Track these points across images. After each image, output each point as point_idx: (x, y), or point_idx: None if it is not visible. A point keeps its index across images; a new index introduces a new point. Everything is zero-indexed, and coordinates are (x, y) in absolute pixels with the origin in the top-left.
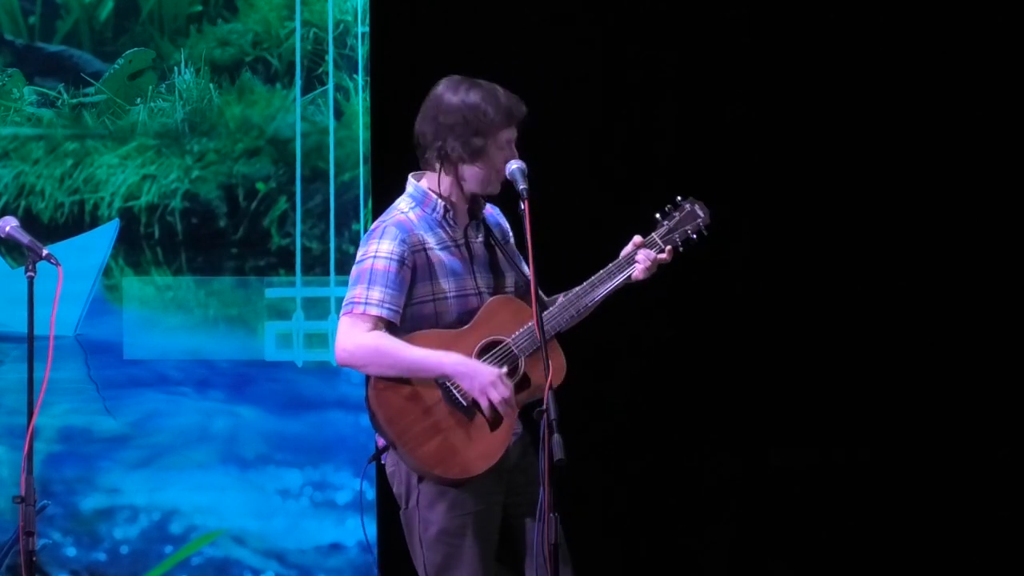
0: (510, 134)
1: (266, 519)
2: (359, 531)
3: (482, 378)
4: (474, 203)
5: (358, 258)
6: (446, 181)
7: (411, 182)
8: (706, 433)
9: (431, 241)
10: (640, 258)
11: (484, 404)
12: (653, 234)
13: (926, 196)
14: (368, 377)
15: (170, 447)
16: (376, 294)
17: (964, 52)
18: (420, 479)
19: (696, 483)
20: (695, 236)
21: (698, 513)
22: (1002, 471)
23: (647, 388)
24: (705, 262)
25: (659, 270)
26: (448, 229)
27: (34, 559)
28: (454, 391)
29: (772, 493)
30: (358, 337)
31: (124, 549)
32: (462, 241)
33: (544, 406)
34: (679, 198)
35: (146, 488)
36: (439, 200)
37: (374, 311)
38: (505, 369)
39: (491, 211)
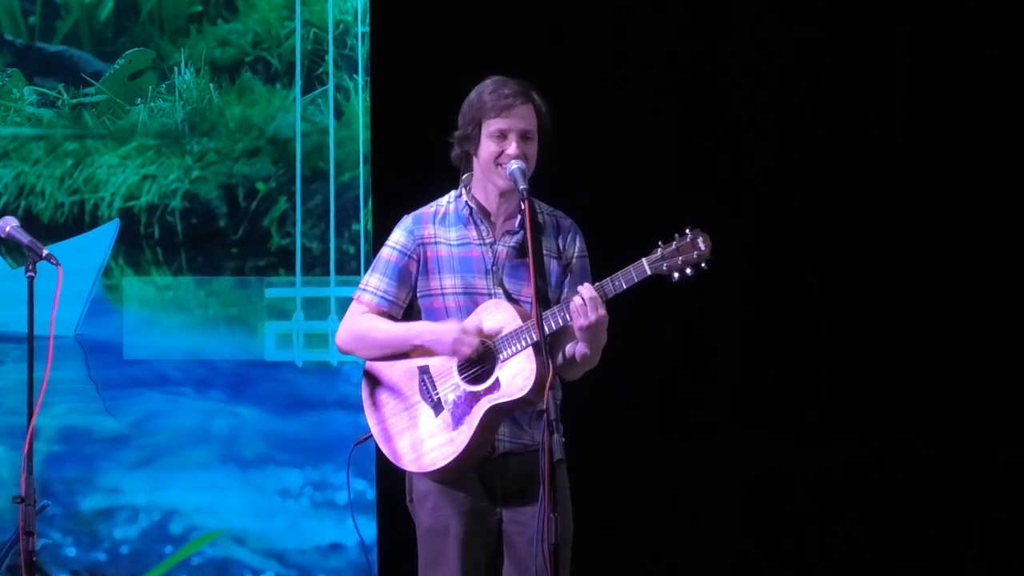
0: (501, 124)
1: (266, 519)
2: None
3: (446, 339)
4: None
5: None
6: (474, 178)
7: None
8: (706, 433)
9: (448, 236)
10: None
11: (461, 361)
12: (600, 283)
13: (926, 197)
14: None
15: (170, 447)
16: (374, 281)
17: (965, 53)
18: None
19: (697, 484)
20: (690, 271)
21: (698, 514)
22: (1002, 472)
23: (648, 388)
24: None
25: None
26: (476, 228)
27: (34, 559)
28: (427, 383)
29: (772, 493)
30: (348, 321)
31: (124, 549)
32: (489, 241)
33: (544, 406)
34: (687, 229)
35: (146, 488)
36: (464, 198)
37: (366, 297)
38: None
39: (564, 224)
